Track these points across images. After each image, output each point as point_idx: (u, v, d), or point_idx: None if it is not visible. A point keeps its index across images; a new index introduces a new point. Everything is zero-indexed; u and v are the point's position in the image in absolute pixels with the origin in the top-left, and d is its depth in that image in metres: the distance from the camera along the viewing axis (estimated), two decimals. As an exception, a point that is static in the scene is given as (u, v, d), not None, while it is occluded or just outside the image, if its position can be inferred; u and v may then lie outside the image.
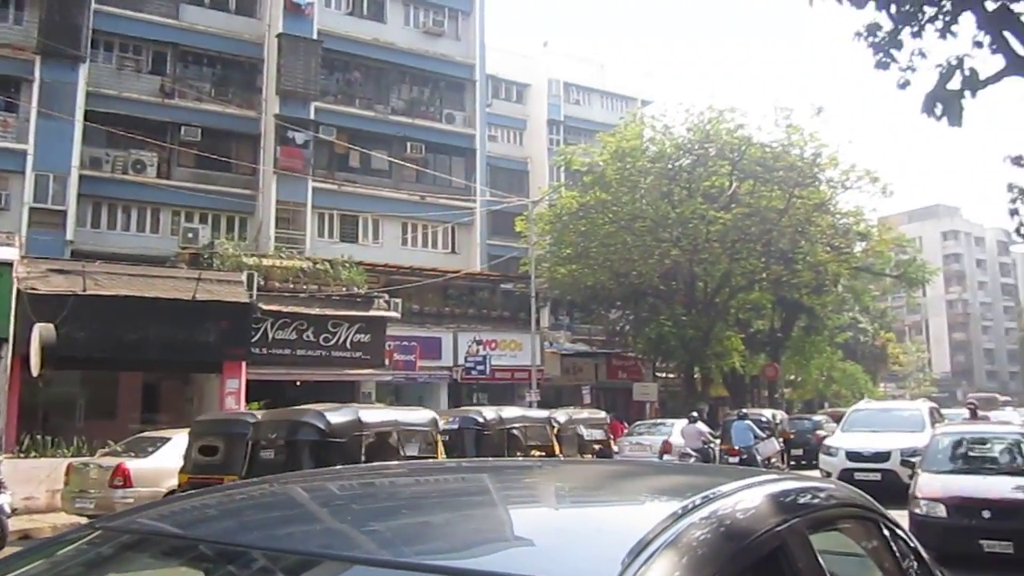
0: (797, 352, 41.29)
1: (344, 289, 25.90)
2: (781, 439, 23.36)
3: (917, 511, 9.79)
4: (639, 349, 36.03)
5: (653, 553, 1.45)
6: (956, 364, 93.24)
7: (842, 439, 18.21)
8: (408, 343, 29.34)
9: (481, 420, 14.62)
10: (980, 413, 21.19)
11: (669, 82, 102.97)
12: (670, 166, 32.53)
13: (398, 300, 27.62)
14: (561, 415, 18.06)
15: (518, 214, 34.96)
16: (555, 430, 16.38)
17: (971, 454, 11.30)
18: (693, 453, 19.97)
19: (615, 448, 21.24)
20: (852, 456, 16.86)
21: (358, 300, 26.02)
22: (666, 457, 20.64)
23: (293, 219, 30.55)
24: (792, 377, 44.93)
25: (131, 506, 7.19)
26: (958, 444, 11.52)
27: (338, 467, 4.88)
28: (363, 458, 10.88)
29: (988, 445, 11.50)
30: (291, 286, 25.04)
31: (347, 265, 26.81)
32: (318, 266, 26.15)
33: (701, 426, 21.11)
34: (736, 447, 19.96)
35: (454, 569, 1.51)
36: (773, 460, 20.84)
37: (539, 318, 32.83)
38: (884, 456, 16.38)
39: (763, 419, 23.42)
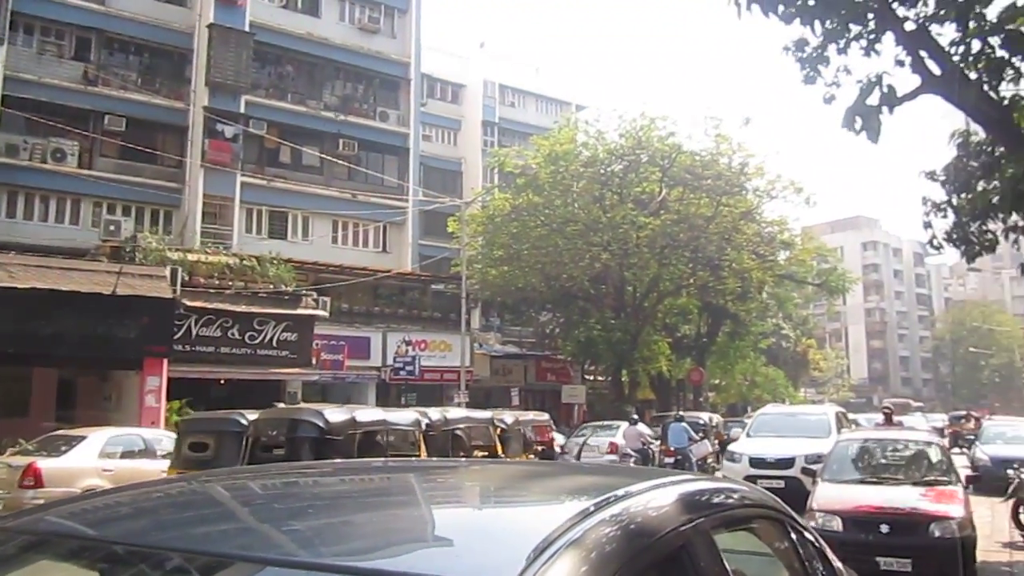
0: (722, 357, 42.24)
1: (271, 286, 25.49)
2: (716, 440, 24.29)
3: (812, 524, 8.56)
4: (568, 352, 36.30)
5: (556, 552, 1.47)
6: (873, 371, 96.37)
7: (746, 445, 17.36)
8: (336, 342, 29.02)
9: (427, 421, 14.86)
10: (896, 418, 21.39)
11: (603, 88, 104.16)
12: (602, 171, 32.88)
13: (327, 299, 27.28)
14: (508, 416, 18.71)
15: (451, 214, 34.90)
16: (498, 431, 16.87)
17: (874, 462, 10.58)
18: (633, 453, 20.61)
19: (556, 449, 22.32)
20: (755, 463, 16.03)
21: (286, 298, 25.63)
22: (610, 457, 21.29)
23: (220, 214, 29.93)
24: (717, 381, 45.89)
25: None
26: (861, 452, 10.86)
27: (256, 466, 4.82)
28: (356, 455, 11.59)
29: (893, 452, 10.79)
30: (216, 282, 24.53)
31: (275, 262, 26.39)
32: (245, 262, 25.66)
33: (642, 427, 21.87)
34: (672, 448, 20.76)
35: (360, 569, 1.51)
36: (709, 460, 21.63)
37: (469, 319, 32.83)
38: (788, 463, 15.47)
39: (700, 422, 24.75)
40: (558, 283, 32.98)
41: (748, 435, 18.14)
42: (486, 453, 15.84)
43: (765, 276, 35.16)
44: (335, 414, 12.10)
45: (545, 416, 22.35)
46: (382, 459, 9.72)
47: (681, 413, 24.56)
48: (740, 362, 43.52)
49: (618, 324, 32.67)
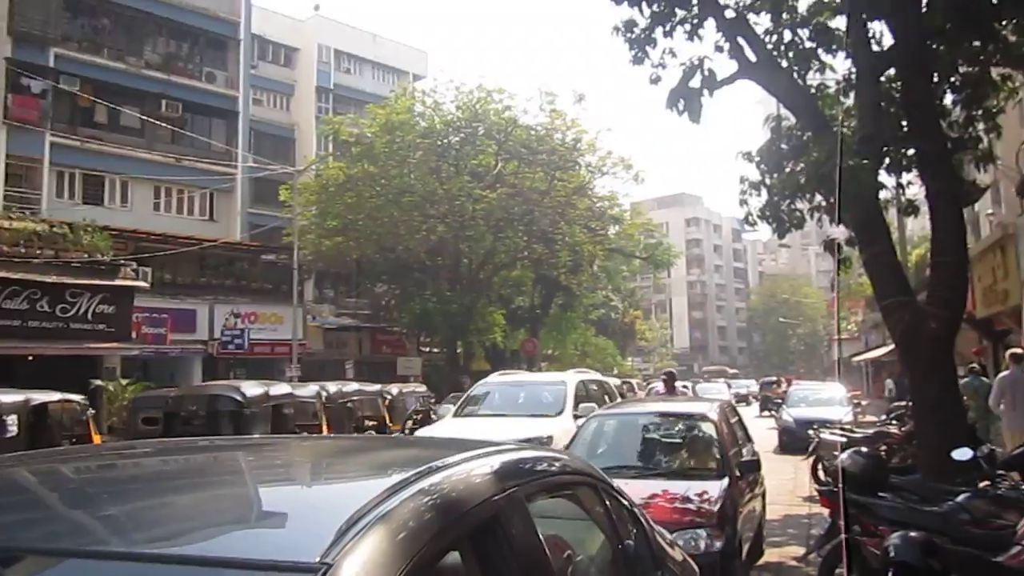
0: (555, 328, 43.40)
1: (86, 256, 23.83)
2: None
3: None
4: (404, 324, 36.22)
5: (365, 527, 1.47)
6: (694, 340, 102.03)
7: (441, 429, 12.67)
8: (159, 315, 27.67)
9: (324, 394, 16.21)
10: (681, 385, 18.96)
11: (441, 58, 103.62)
12: (439, 142, 32.83)
13: (148, 269, 25.81)
14: (394, 389, 20.96)
15: (283, 183, 33.81)
16: (386, 402, 18.63)
17: (626, 448, 8.20)
18: None
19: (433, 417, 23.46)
20: None
21: (102, 268, 24.05)
22: None
23: (27, 176, 27.74)
24: (550, 351, 47.09)
25: None
26: (614, 434, 8.60)
27: (68, 448, 4.54)
28: (270, 427, 12.55)
29: (654, 434, 8.33)
30: (23, 251, 22.67)
31: (90, 229, 24.66)
32: (55, 229, 23.83)
33: None
34: None
35: (164, 556, 1.48)
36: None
37: (302, 291, 32.08)
38: None
39: None
40: (394, 254, 32.78)
41: (456, 415, 13.51)
42: (376, 423, 17.34)
43: (596, 250, 36.31)
44: (251, 388, 13.20)
45: (423, 388, 24.19)
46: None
47: None
48: (572, 332, 44.87)
49: (454, 296, 32.87)
